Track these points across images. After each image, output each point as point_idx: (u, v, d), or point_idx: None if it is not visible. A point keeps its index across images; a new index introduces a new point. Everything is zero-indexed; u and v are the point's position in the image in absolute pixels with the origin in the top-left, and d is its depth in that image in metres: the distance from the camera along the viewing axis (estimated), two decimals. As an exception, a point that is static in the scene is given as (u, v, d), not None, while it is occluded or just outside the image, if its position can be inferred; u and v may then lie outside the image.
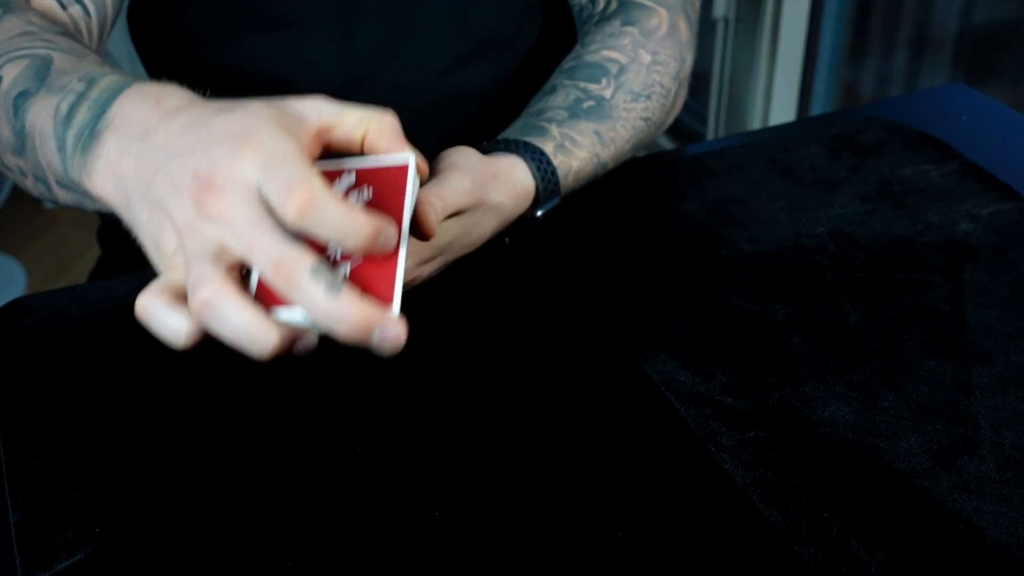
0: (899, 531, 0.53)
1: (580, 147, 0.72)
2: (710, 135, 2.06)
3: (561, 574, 0.51)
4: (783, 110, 1.94)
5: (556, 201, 0.70)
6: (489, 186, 0.64)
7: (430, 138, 0.87)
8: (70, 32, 0.62)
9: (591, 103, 0.74)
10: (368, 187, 0.47)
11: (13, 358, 0.66)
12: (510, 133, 0.71)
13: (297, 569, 0.52)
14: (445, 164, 0.63)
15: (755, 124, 1.95)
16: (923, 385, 0.62)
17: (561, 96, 0.74)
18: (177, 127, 0.47)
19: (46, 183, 0.56)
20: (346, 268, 0.45)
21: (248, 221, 0.43)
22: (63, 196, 0.57)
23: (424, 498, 0.55)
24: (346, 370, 0.64)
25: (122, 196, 0.49)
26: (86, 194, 0.52)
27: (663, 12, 0.80)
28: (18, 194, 1.97)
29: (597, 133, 0.73)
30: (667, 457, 0.58)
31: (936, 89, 1.12)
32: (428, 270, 0.62)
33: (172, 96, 0.49)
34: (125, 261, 0.93)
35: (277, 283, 0.43)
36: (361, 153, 0.49)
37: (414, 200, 0.48)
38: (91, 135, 0.50)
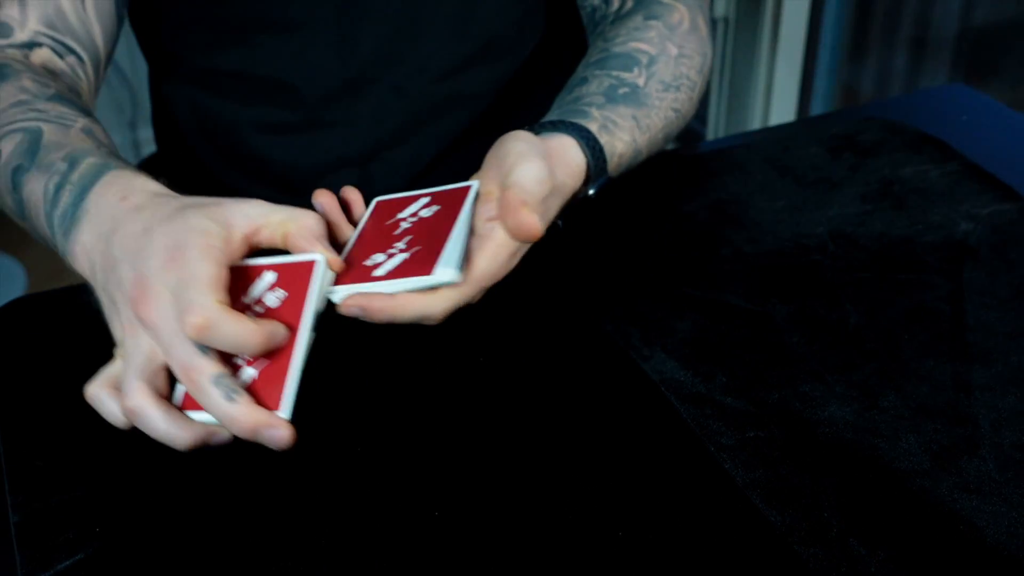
0: (899, 531, 0.53)
1: (622, 129, 0.71)
2: (710, 135, 2.06)
3: (561, 574, 0.51)
4: (783, 110, 1.94)
5: (605, 179, 0.69)
6: (555, 165, 0.64)
7: (431, 140, 0.88)
8: (60, 93, 0.68)
9: (626, 89, 0.73)
10: (282, 288, 0.54)
11: (13, 358, 0.66)
12: (550, 117, 0.70)
13: (297, 569, 0.52)
14: (514, 155, 0.62)
15: (755, 124, 1.95)
16: (923, 385, 0.62)
17: (595, 84, 0.74)
18: (132, 232, 0.54)
19: (46, 242, 0.64)
20: (253, 372, 0.52)
21: (167, 331, 0.50)
22: (59, 251, 0.64)
23: (424, 498, 0.55)
24: (346, 371, 0.64)
25: (92, 277, 0.57)
26: (69, 265, 0.60)
27: (683, 8, 0.80)
28: (18, 194, 1.97)
29: (635, 118, 0.73)
30: (667, 457, 0.58)
31: (936, 89, 1.12)
32: (513, 263, 0.62)
33: (136, 193, 0.57)
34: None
35: (186, 386, 0.51)
36: (283, 251, 0.56)
37: (321, 294, 0.54)
38: (72, 220, 0.58)
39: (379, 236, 0.60)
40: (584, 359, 0.64)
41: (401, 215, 0.61)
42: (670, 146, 1.00)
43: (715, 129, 2.06)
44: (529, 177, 0.60)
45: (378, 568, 0.52)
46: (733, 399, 0.61)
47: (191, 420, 0.52)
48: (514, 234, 0.58)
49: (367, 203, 0.64)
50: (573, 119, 0.69)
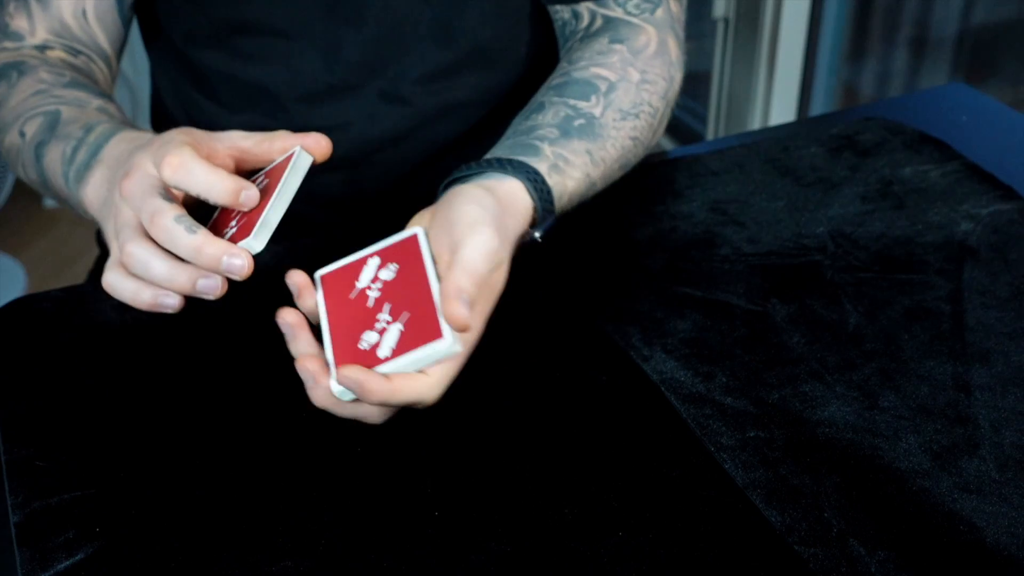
0: (899, 531, 0.53)
1: (574, 167, 0.69)
2: (710, 135, 2.06)
3: (561, 574, 0.51)
4: (783, 110, 1.94)
5: (551, 222, 0.66)
6: (506, 221, 0.61)
7: (422, 146, 0.88)
8: (76, 79, 0.75)
9: (581, 121, 0.71)
10: (265, 177, 0.60)
11: (13, 358, 0.66)
12: (500, 151, 0.68)
13: (297, 569, 0.52)
14: (463, 225, 0.59)
15: (755, 124, 1.95)
16: (923, 385, 0.62)
17: (551, 114, 0.72)
18: (127, 150, 0.63)
19: (73, 209, 0.72)
20: (234, 225, 0.58)
21: (140, 191, 0.57)
22: (86, 218, 0.72)
23: (424, 498, 0.55)
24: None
25: (98, 209, 0.66)
26: (85, 211, 0.69)
27: (651, 30, 0.78)
28: (18, 194, 1.97)
29: (589, 152, 0.70)
30: (667, 457, 0.58)
31: (936, 89, 1.12)
32: (477, 327, 0.59)
33: (142, 136, 0.65)
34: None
35: (154, 233, 0.56)
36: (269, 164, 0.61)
37: (301, 171, 0.59)
38: (85, 170, 0.66)
39: (354, 313, 0.57)
40: (584, 359, 0.64)
41: (361, 284, 0.59)
42: (670, 146, 1.00)
43: (715, 129, 2.05)
44: (477, 254, 0.57)
45: (378, 568, 0.52)
46: (733, 399, 0.61)
47: (184, 263, 0.57)
48: (447, 321, 0.55)
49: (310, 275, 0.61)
50: (524, 156, 0.66)
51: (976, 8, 1.87)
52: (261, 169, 0.62)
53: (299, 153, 0.59)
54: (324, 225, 0.88)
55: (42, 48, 0.79)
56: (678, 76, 0.79)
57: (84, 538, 0.53)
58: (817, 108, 1.98)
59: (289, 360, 0.64)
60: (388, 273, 0.58)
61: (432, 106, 0.86)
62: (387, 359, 0.54)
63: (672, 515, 0.54)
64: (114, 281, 0.59)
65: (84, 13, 0.79)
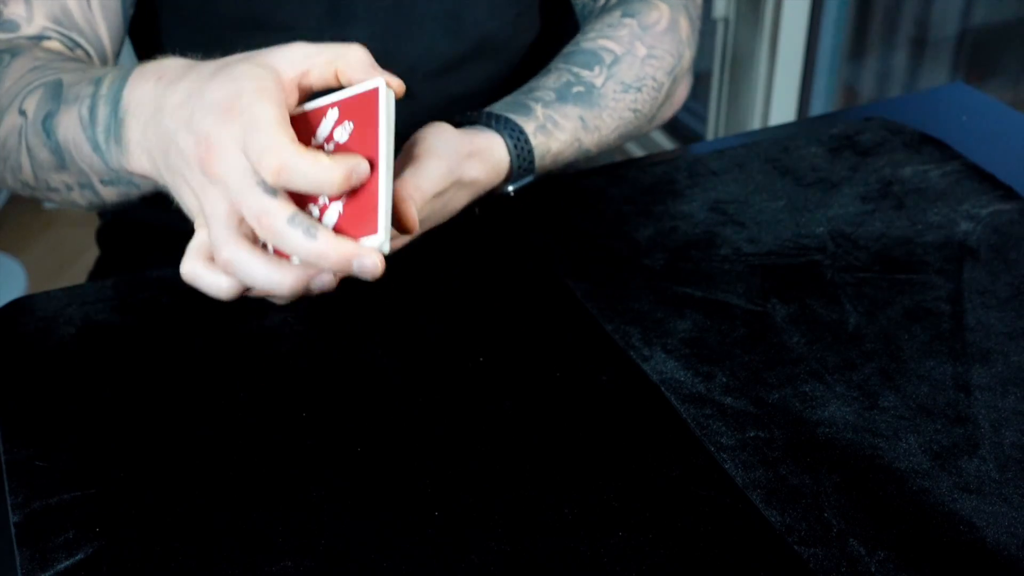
0: (899, 531, 0.53)
1: (562, 130, 0.72)
2: (710, 135, 2.06)
3: (561, 574, 0.51)
4: (783, 110, 1.94)
5: (529, 179, 0.71)
6: (465, 164, 0.66)
7: None
8: (75, 59, 0.69)
9: (580, 88, 0.74)
10: (349, 120, 0.52)
11: (13, 358, 0.66)
12: (496, 107, 0.72)
13: (297, 569, 0.52)
14: (422, 148, 0.64)
15: (755, 124, 1.95)
16: (923, 385, 0.62)
17: (553, 78, 0.75)
18: (177, 101, 0.53)
19: (92, 188, 0.64)
20: (338, 206, 0.51)
21: (236, 181, 0.49)
22: (109, 194, 0.64)
23: (424, 498, 0.55)
24: (346, 370, 0.64)
25: (154, 168, 0.56)
26: (130, 180, 0.60)
27: (664, 8, 0.80)
28: (18, 194, 1.97)
29: (582, 119, 0.74)
30: (667, 457, 0.58)
31: (936, 89, 1.12)
32: (400, 244, 0.64)
33: (170, 69, 0.56)
34: (124, 261, 0.93)
35: (262, 234, 0.50)
36: (339, 87, 0.55)
37: (392, 120, 0.51)
38: (116, 125, 0.58)
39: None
40: (584, 359, 0.64)
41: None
42: (670, 146, 1.00)
43: (715, 129, 2.05)
44: (423, 174, 0.61)
45: (378, 568, 0.52)
46: (733, 399, 0.61)
47: (290, 263, 0.50)
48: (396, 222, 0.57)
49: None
50: (514, 114, 0.71)
51: (976, 8, 1.87)
52: (322, 93, 0.54)
53: (387, 94, 0.52)
54: None
55: (38, 39, 0.74)
56: (688, 54, 0.81)
57: (84, 538, 0.53)
58: (817, 108, 1.98)
59: (289, 360, 0.65)
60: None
61: (436, 99, 0.86)
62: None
63: (672, 515, 0.54)
64: (198, 273, 0.53)
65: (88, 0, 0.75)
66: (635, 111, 0.77)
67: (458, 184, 0.66)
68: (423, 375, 0.63)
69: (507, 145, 0.69)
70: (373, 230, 0.49)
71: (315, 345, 0.65)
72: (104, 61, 0.77)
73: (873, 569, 0.51)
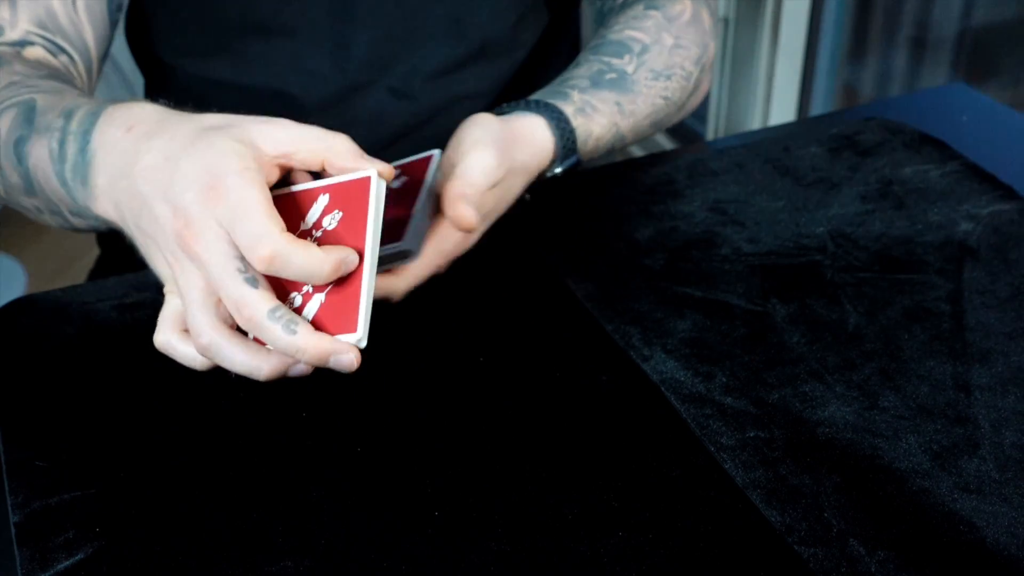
0: (899, 531, 0.53)
1: (600, 114, 0.73)
2: (710, 135, 2.06)
3: (561, 574, 0.51)
4: (783, 110, 1.94)
5: (574, 160, 0.72)
6: (513, 149, 0.66)
7: (431, 139, 0.87)
8: (56, 74, 0.68)
9: (613, 75, 0.75)
10: (339, 209, 0.51)
11: (13, 358, 0.66)
12: (532, 97, 0.73)
13: (297, 569, 0.52)
14: (468, 143, 0.64)
15: (755, 124, 1.95)
16: (923, 385, 0.62)
17: (584, 67, 0.76)
18: (151, 163, 0.51)
19: (61, 215, 0.63)
20: (321, 297, 0.50)
21: (217, 266, 0.49)
22: (79, 222, 0.63)
23: (424, 498, 0.55)
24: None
25: (122, 221, 0.55)
26: (96, 218, 0.58)
27: (687, 1, 0.81)
28: (18, 194, 1.97)
29: (618, 104, 0.74)
30: (667, 457, 0.58)
31: (936, 89, 1.12)
32: (472, 239, 0.65)
33: (140, 121, 0.54)
34: (124, 261, 0.93)
35: (242, 322, 0.49)
36: (321, 174, 0.53)
37: (380, 210, 0.51)
38: (84, 166, 0.56)
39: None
40: (584, 359, 0.64)
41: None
42: (670, 146, 1.00)
43: (715, 129, 2.05)
44: (476, 168, 0.62)
45: (378, 568, 0.52)
46: (733, 399, 0.61)
47: (268, 349, 0.50)
48: (453, 224, 0.61)
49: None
50: (552, 99, 0.71)
51: (976, 8, 1.87)
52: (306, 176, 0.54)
53: (378, 185, 0.51)
54: None
55: (21, 44, 0.72)
56: (712, 44, 0.83)
57: (84, 538, 0.53)
58: (817, 108, 1.98)
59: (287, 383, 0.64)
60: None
61: (439, 101, 0.86)
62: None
63: (672, 515, 0.54)
64: (173, 345, 0.53)
65: (74, 1, 0.74)
66: (666, 99, 0.78)
67: (511, 172, 0.66)
68: (423, 375, 0.63)
69: (549, 126, 0.70)
70: (352, 328, 0.49)
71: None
72: (89, 66, 0.76)
73: (873, 569, 0.51)
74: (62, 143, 0.58)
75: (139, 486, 0.56)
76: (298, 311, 0.51)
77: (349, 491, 0.56)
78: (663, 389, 0.62)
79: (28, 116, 0.61)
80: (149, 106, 0.56)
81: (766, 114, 1.95)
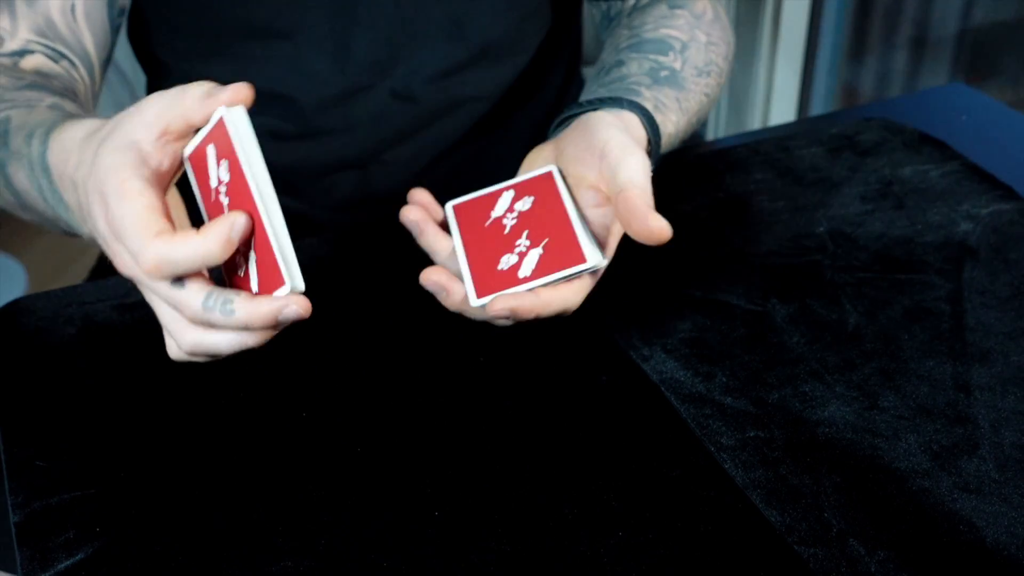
0: (899, 531, 0.53)
1: (670, 111, 0.71)
2: (710, 135, 2.06)
3: (561, 574, 0.51)
4: (783, 110, 1.94)
5: (659, 159, 0.68)
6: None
7: (432, 142, 0.88)
8: (35, 82, 0.67)
9: (666, 72, 0.73)
10: (224, 158, 0.49)
11: (13, 358, 0.66)
12: (598, 95, 0.68)
13: (297, 569, 0.52)
14: (616, 148, 0.60)
15: (755, 124, 1.95)
16: (923, 385, 0.62)
17: (635, 66, 0.73)
18: (76, 196, 0.53)
19: (61, 229, 0.63)
20: (253, 264, 0.49)
21: (142, 283, 0.49)
22: (85, 234, 0.62)
23: (424, 498, 0.55)
24: (346, 371, 0.64)
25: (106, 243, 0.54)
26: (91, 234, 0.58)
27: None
28: (18, 194, 1.97)
29: (678, 100, 0.72)
30: (667, 457, 0.58)
31: (936, 89, 1.12)
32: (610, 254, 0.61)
33: (70, 152, 0.55)
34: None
35: (187, 320, 0.49)
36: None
37: (252, 141, 0.49)
38: (58, 193, 0.57)
39: (490, 239, 0.60)
40: (584, 359, 0.64)
41: (496, 213, 0.62)
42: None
43: (715, 129, 2.05)
44: (641, 174, 0.58)
45: (378, 568, 0.52)
46: (733, 399, 0.61)
47: (246, 322, 0.49)
48: (643, 237, 0.56)
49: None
50: (627, 97, 0.68)
51: (976, 8, 1.87)
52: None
53: (233, 117, 0.49)
54: (333, 226, 0.88)
55: (20, 54, 0.73)
56: (732, 41, 0.82)
57: (84, 538, 0.53)
58: (817, 108, 1.98)
59: (289, 361, 0.64)
60: (524, 204, 0.61)
61: (440, 103, 0.86)
62: (527, 279, 0.57)
63: (672, 515, 0.54)
64: (181, 356, 0.53)
65: (73, 9, 0.74)
66: (707, 96, 0.77)
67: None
68: (423, 375, 0.63)
69: (643, 123, 0.66)
70: (280, 281, 0.48)
71: (315, 345, 0.65)
72: (91, 70, 0.76)
73: (873, 569, 0.51)
74: (31, 169, 0.59)
75: (139, 486, 0.56)
76: (245, 282, 0.50)
77: (349, 491, 0.56)
78: (663, 389, 0.62)
79: (3, 138, 0.61)
80: (74, 131, 0.56)
81: (766, 114, 1.95)
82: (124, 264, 0.50)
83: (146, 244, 0.47)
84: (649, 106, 0.68)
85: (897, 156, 0.84)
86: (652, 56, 0.74)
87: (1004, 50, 1.90)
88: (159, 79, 0.90)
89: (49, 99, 0.64)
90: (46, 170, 0.57)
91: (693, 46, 0.76)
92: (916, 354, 0.64)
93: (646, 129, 0.66)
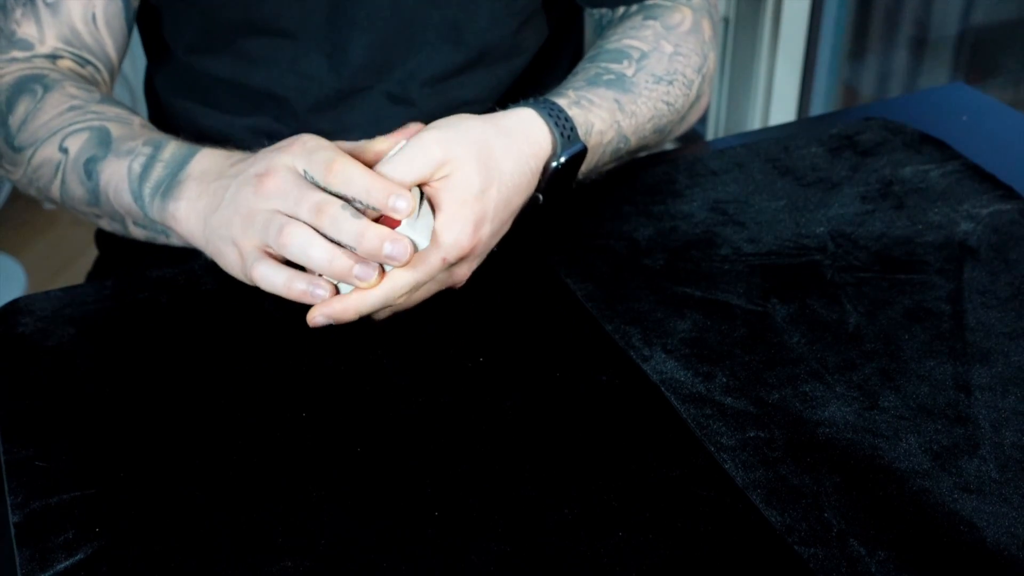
0: (899, 531, 0.53)
1: (599, 108, 0.72)
2: (710, 135, 2.06)
3: (561, 574, 0.51)
4: (783, 110, 1.94)
5: (579, 147, 0.70)
6: (497, 139, 0.65)
7: None
8: (105, 96, 0.75)
9: (611, 76, 0.75)
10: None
11: (13, 358, 0.66)
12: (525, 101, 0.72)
13: (297, 569, 0.52)
14: (440, 198, 0.64)
15: (755, 124, 1.95)
16: (923, 385, 0.62)
17: (581, 74, 0.75)
18: (237, 169, 0.64)
19: (122, 223, 0.72)
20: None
21: (295, 186, 0.60)
22: (138, 233, 0.73)
23: (424, 498, 0.55)
24: (346, 370, 0.64)
25: (201, 230, 0.64)
26: (162, 230, 0.69)
27: (686, 10, 0.81)
28: (18, 194, 1.97)
29: (617, 101, 0.74)
30: (667, 457, 0.58)
31: (936, 89, 1.12)
32: (462, 272, 0.66)
33: (232, 153, 0.67)
34: (124, 261, 0.93)
35: (319, 220, 0.58)
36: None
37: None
38: (171, 187, 0.66)
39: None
40: (584, 359, 0.64)
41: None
42: (670, 146, 1.00)
43: (715, 129, 2.05)
44: (401, 163, 0.62)
45: (378, 568, 0.52)
46: (733, 399, 0.61)
47: (345, 249, 0.59)
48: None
49: None
50: (545, 97, 0.71)
51: (976, 8, 1.87)
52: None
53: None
54: None
55: (52, 58, 0.77)
56: (712, 55, 0.83)
57: (84, 538, 0.53)
58: (817, 108, 1.98)
59: (290, 361, 0.65)
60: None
61: (437, 106, 0.85)
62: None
63: (672, 515, 0.54)
64: (266, 272, 0.60)
65: (94, 18, 0.78)
66: (668, 104, 0.77)
67: (495, 190, 0.64)
68: (423, 375, 0.63)
69: (540, 115, 0.68)
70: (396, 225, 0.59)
71: (315, 345, 0.65)
72: (111, 72, 0.81)
73: (873, 569, 0.51)
74: (146, 167, 0.68)
75: (139, 486, 0.56)
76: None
77: (349, 491, 0.56)
78: (663, 389, 0.62)
79: (102, 140, 0.70)
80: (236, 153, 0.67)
81: (766, 114, 1.95)
82: (273, 176, 0.60)
83: (340, 154, 0.60)
84: (566, 102, 0.71)
85: (897, 156, 0.84)
86: (604, 64, 0.76)
87: (1004, 50, 1.90)
88: (161, 67, 0.90)
89: (135, 118, 0.72)
90: (180, 167, 0.67)
91: (654, 55, 0.77)
92: (916, 354, 0.64)
93: (546, 121, 0.68)
